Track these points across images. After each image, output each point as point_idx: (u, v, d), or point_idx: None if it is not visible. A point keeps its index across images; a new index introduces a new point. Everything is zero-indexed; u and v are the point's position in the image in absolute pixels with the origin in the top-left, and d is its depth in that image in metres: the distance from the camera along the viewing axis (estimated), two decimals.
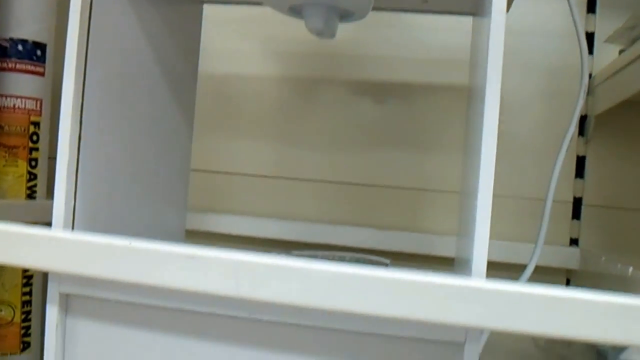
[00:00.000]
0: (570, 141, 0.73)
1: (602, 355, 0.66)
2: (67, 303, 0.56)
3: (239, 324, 0.53)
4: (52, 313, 0.55)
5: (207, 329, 0.53)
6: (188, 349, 0.54)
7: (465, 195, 0.65)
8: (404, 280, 0.45)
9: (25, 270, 0.89)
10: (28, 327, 0.90)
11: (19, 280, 0.88)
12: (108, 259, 0.48)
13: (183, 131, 0.80)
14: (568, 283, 0.94)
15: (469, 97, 0.77)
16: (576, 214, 0.94)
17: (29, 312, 0.90)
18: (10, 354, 0.89)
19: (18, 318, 0.89)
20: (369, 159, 1.00)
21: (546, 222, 0.72)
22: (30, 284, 0.90)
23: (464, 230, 0.64)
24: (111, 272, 0.48)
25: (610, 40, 0.82)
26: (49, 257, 0.50)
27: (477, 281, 0.46)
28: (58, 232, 0.53)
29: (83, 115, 0.56)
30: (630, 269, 0.67)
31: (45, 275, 0.90)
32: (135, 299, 0.54)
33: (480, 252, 0.48)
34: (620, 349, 0.64)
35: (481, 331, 0.50)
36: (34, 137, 0.87)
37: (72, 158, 0.55)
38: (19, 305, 0.89)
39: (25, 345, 0.90)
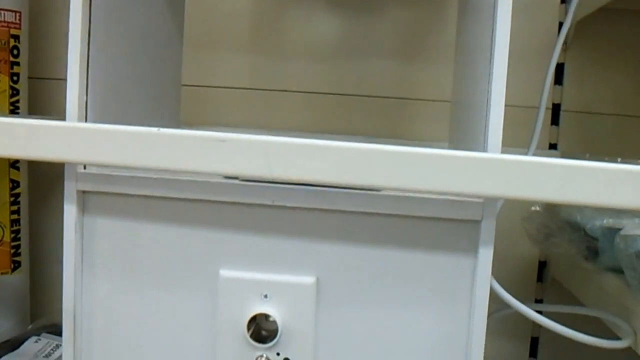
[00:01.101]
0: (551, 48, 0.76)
1: (592, 242, 0.70)
2: (84, 201, 0.56)
3: (262, 212, 0.54)
4: (70, 212, 0.55)
5: (229, 219, 0.54)
6: (210, 240, 0.55)
7: (463, 104, 0.67)
8: (431, 155, 0.47)
9: (12, 188, 0.87)
10: (18, 247, 0.89)
11: (7, 199, 0.87)
12: (137, 148, 0.48)
13: (175, 44, 0.79)
14: None
15: (460, 5, 0.78)
16: (555, 120, 0.97)
17: (17, 232, 0.89)
18: (2, 273, 0.88)
19: (7, 237, 0.88)
20: (352, 69, 1.00)
21: (539, 129, 0.75)
22: (18, 202, 0.89)
23: (459, 135, 0.66)
24: (141, 160, 0.48)
25: None
26: (79, 148, 0.50)
27: (495, 154, 0.48)
28: (87, 124, 0.52)
29: (91, 18, 0.55)
30: (619, 159, 0.70)
31: (33, 190, 0.89)
32: (154, 192, 0.54)
33: (496, 130, 0.50)
34: (611, 232, 0.67)
35: (497, 204, 0.52)
36: (15, 51, 0.85)
37: (84, 54, 0.54)
38: (8, 224, 0.88)
39: (16, 265, 0.89)
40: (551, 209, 0.74)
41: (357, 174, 0.47)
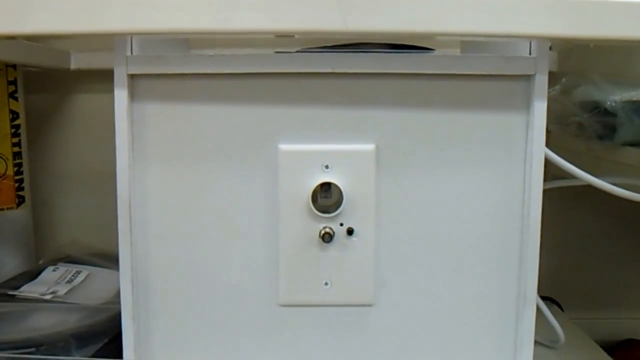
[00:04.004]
0: None
1: (610, 119, 0.72)
2: (133, 86, 0.54)
3: (319, 82, 0.54)
4: (121, 97, 0.54)
5: (286, 92, 0.54)
6: (266, 115, 0.55)
7: None
8: None
9: (12, 119, 0.85)
10: (21, 181, 0.87)
11: (8, 130, 0.84)
12: (201, 12, 0.47)
13: None
14: None
15: None
16: None
17: (20, 165, 0.86)
18: (7, 208, 0.85)
19: (11, 170, 0.85)
20: None
21: None
22: (19, 135, 0.86)
23: None
24: (210, 24, 0.48)
25: None
26: (135, 17, 0.48)
27: None
28: None
29: None
30: None
31: (31, 119, 0.86)
32: (206, 69, 0.54)
33: None
34: (631, 106, 0.70)
35: (548, 59, 0.54)
36: None
37: None
38: (10, 157, 0.85)
39: (21, 200, 0.87)
40: (567, 92, 0.76)
41: (428, 22, 0.47)
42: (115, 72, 0.53)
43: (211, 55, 0.53)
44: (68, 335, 0.64)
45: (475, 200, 0.56)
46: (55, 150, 0.99)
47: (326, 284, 0.56)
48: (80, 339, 0.64)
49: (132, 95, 0.54)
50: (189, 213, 0.56)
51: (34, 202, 0.93)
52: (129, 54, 0.53)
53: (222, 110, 0.54)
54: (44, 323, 0.68)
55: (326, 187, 0.55)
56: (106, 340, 0.65)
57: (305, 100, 0.54)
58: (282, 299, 0.56)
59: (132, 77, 0.54)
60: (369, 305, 0.57)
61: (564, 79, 0.76)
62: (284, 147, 0.54)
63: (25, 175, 0.87)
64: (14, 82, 0.84)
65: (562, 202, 1.03)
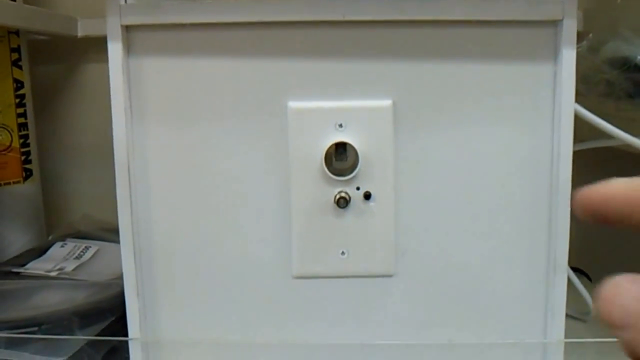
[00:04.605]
0: None
1: (639, 75, 0.67)
2: (128, 39, 0.51)
3: (330, 32, 0.50)
4: (115, 51, 0.50)
5: (294, 43, 0.50)
6: (274, 69, 0.51)
7: None
8: None
9: (17, 89, 0.81)
10: (28, 154, 0.84)
11: (12, 100, 0.81)
12: None
13: None
14: None
15: None
16: None
17: (26, 137, 0.83)
18: (14, 182, 0.82)
19: (16, 143, 0.82)
20: None
21: None
22: (24, 105, 0.83)
23: None
24: None
25: None
26: None
27: None
28: None
29: None
30: None
31: (39, 90, 0.83)
32: (207, 18, 0.50)
33: None
34: None
35: (576, 2, 0.49)
36: None
37: None
38: (15, 129, 0.82)
39: (28, 173, 0.84)
40: (595, 49, 0.71)
41: None
42: (108, 23, 0.50)
43: (213, 2, 0.49)
44: (72, 313, 0.60)
45: (500, 159, 0.51)
46: (65, 122, 0.96)
47: (342, 253, 0.52)
48: (85, 317, 0.61)
49: (128, 49, 0.51)
50: (192, 178, 0.52)
51: (44, 176, 0.90)
52: (122, 2, 0.50)
53: (225, 64, 0.50)
54: (48, 301, 0.65)
55: (341, 148, 0.51)
56: (113, 318, 0.62)
57: (316, 53, 0.50)
58: (295, 270, 0.53)
59: (127, 28, 0.50)
60: (389, 276, 0.53)
61: (591, 35, 0.71)
62: (293, 104, 0.50)
63: (33, 148, 0.84)
64: (17, 50, 0.81)
65: (589, 168, 0.97)
